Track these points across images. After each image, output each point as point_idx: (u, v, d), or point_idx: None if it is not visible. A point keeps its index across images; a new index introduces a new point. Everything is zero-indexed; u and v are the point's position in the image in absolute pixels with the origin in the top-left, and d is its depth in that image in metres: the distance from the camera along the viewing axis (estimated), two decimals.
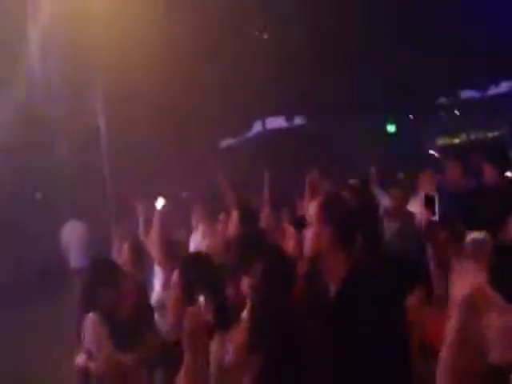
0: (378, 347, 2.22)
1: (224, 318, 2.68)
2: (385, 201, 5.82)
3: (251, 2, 10.08)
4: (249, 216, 5.11)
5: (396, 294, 2.56)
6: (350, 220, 2.49)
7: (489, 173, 5.07)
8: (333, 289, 2.47)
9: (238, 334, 2.30)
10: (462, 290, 1.84)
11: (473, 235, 3.79)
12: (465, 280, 1.84)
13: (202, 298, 2.39)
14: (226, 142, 11.81)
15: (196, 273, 2.85)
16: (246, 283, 3.78)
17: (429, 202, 2.99)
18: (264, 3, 10.18)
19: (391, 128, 11.47)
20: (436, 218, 3.04)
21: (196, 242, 5.75)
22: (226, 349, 2.55)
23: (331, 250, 2.46)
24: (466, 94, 10.61)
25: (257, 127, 12.54)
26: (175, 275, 2.91)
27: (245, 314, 2.32)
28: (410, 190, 6.27)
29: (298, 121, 12.40)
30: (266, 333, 2.25)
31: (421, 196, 3.02)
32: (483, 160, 5.20)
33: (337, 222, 2.49)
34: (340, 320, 2.38)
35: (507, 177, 5.11)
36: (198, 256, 3.21)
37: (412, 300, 2.92)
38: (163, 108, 9.73)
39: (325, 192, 3.85)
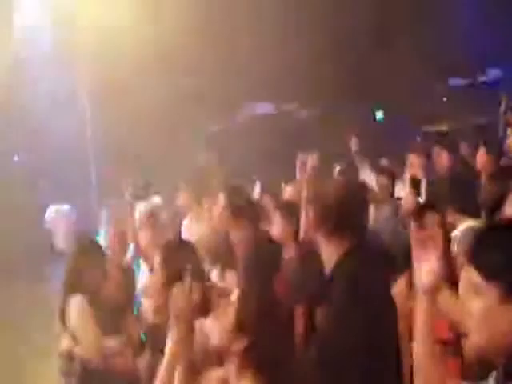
0: (367, 334, 2.22)
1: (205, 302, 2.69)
2: (370, 178, 5.84)
3: None
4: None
5: (386, 280, 2.59)
6: (341, 207, 2.48)
7: (483, 157, 5.15)
8: (327, 272, 2.48)
9: (225, 318, 2.30)
10: (425, 276, 1.85)
11: (467, 223, 3.81)
12: (428, 265, 1.85)
13: (188, 278, 2.39)
14: (213, 127, 11.74)
15: (180, 257, 2.84)
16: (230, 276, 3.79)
17: (414, 184, 3.00)
18: None
19: (379, 114, 11.52)
20: (421, 199, 3.05)
21: (190, 229, 5.70)
22: (203, 333, 2.56)
23: (323, 237, 2.47)
24: (454, 81, 10.67)
25: (245, 112, 12.50)
26: (157, 259, 2.90)
27: (233, 297, 2.33)
28: (395, 176, 6.31)
29: (288, 107, 12.37)
30: (253, 315, 2.25)
31: (406, 178, 3.02)
32: (477, 145, 5.29)
33: (327, 209, 2.49)
34: (330, 303, 2.39)
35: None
36: (180, 241, 3.19)
37: (399, 285, 2.93)
38: (151, 92, 9.66)
39: (314, 180, 3.86)
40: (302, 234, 3.55)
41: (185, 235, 5.39)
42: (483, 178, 4.79)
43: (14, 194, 9.00)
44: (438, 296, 1.89)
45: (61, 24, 9.44)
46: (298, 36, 10.23)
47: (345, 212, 2.45)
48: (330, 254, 2.47)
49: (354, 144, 6.13)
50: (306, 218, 3.34)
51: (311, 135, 10.01)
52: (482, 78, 10.34)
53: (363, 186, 3.85)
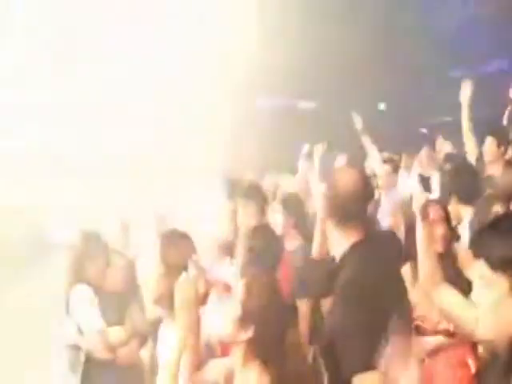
0: (373, 325, 2.21)
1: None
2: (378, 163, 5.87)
3: None
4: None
5: (395, 269, 2.58)
6: (349, 198, 2.46)
7: (490, 146, 5.17)
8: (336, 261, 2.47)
9: (231, 308, 2.30)
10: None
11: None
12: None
13: (194, 268, 2.39)
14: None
15: (179, 248, 2.84)
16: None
17: (424, 181, 3.01)
18: None
19: (380, 106, 11.50)
20: (431, 195, 3.05)
21: None
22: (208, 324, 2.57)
23: (333, 226, 2.46)
24: (456, 72, 10.62)
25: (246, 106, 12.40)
26: (156, 249, 2.90)
27: (239, 289, 2.32)
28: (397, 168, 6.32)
29: (290, 99, 12.32)
30: (259, 305, 2.26)
31: (416, 175, 3.03)
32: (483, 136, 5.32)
33: (335, 199, 2.47)
34: (336, 293, 2.38)
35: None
36: (179, 232, 3.19)
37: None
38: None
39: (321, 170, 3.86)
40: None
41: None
42: (492, 168, 4.77)
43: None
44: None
45: None
46: (299, 27, 10.19)
47: (354, 202, 2.43)
48: (339, 244, 2.45)
49: (358, 123, 6.13)
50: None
51: (313, 127, 9.98)
52: (485, 69, 10.31)
53: (369, 176, 3.85)
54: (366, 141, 6.02)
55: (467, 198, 4.06)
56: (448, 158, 5.75)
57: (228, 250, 4.17)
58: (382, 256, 2.50)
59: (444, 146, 6.55)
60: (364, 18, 10.59)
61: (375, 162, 5.99)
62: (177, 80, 9.41)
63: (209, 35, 9.22)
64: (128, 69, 9.17)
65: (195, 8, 9.36)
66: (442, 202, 3.41)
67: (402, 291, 2.49)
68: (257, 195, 4.24)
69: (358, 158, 6.33)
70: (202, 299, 2.55)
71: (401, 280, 2.55)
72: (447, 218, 3.42)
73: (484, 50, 9.80)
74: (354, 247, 2.42)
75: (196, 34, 9.30)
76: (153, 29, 9.23)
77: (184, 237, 2.99)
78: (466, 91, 5.38)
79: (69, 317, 3.72)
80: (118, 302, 3.82)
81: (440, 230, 3.29)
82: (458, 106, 5.47)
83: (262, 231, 3.74)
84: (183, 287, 2.38)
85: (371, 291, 2.28)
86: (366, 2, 10.60)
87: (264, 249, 3.54)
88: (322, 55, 10.21)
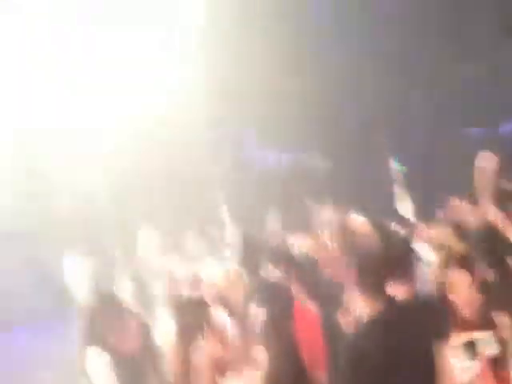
0: None
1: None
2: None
3: None
4: None
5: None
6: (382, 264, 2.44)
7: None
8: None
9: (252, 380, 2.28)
10: None
11: None
12: None
13: (207, 335, 2.37)
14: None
15: (192, 314, 2.83)
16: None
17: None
18: None
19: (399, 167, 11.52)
20: None
21: None
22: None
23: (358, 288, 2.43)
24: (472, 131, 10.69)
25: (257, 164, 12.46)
26: (171, 320, 2.88)
27: (259, 356, 2.30)
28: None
29: (301, 156, 12.39)
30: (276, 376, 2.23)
31: None
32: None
33: (367, 264, 2.45)
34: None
35: None
36: (193, 300, 3.18)
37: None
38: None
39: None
40: None
41: None
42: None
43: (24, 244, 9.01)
44: None
45: None
46: (313, 82, 10.29)
47: (370, 273, 2.38)
48: (360, 307, 2.40)
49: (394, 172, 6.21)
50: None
51: (326, 186, 9.99)
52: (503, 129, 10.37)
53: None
54: (400, 190, 6.03)
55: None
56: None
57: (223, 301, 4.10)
58: (397, 336, 2.37)
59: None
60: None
61: (407, 212, 5.93)
62: (165, 115, 9.45)
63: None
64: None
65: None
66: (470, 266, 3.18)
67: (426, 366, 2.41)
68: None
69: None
70: (221, 365, 2.52)
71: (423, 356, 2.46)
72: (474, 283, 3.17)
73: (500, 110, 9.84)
74: (366, 322, 2.35)
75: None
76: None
77: (199, 304, 2.98)
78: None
79: (83, 377, 3.68)
80: (134, 366, 3.76)
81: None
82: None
83: (268, 290, 3.71)
84: (198, 355, 2.36)
85: (372, 370, 2.23)
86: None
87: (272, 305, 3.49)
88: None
